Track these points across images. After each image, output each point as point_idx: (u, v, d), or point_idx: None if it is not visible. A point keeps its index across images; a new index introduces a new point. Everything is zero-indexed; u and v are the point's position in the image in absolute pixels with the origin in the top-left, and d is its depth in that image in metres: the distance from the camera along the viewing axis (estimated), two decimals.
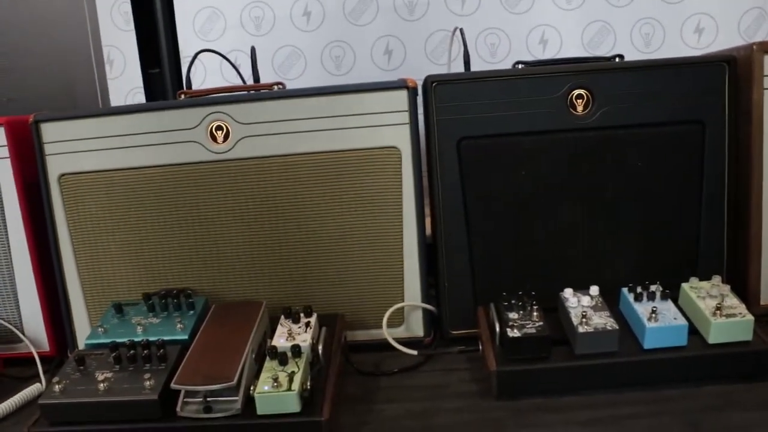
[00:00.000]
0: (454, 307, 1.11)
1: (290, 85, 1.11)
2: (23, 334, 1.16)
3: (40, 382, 1.06)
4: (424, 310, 1.11)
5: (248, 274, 1.11)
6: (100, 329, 1.00)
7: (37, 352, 1.13)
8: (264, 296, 1.08)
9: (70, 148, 1.09)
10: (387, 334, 1.06)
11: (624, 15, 1.48)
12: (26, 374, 1.11)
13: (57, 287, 1.13)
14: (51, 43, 1.62)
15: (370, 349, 1.10)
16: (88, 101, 1.62)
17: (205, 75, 1.56)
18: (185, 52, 1.52)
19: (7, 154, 1.11)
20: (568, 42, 1.49)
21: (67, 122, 1.09)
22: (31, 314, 1.16)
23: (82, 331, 1.14)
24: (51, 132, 1.09)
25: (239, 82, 1.37)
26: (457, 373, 1.02)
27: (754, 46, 1.03)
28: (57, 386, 0.86)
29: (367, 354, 1.09)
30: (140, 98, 1.56)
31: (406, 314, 1.12)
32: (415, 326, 1.12)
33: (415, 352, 1.05)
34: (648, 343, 0.92)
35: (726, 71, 1.05)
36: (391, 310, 1.08)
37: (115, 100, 1.61)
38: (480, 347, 1.00)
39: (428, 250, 1.10)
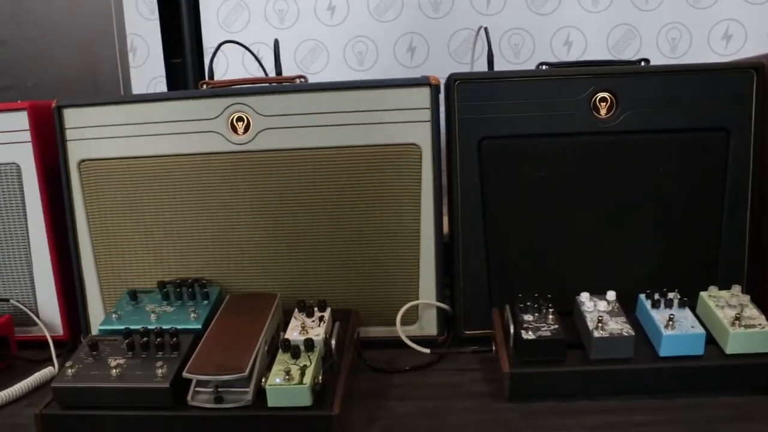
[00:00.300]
0: (469, 307, 1.10)
1: (312, 80, 1.11)
2: (38, 317, 1.16)
3: (53, 365, 1.07)
4: (439, 309, 1.11)
5: (264, 266, 1.11)
6: (114, 315, 1.01)
7: (51, 336, 1.13)
8: (278, 289, 1.08)
9: (92, 134, 1.09)
10: (400, 331, 1.05)
11: (651, 19, 1.47)
12: (40, 357, 1.12)
13: (73, 272, 1.14)
14: (76, 30, 1.63)
15: (383, 345, 1.09)
16: (111, 89, 1.63)
17: (228, 66, 1.56)
18: (208, 43, 1.52)
19: (29, 138, 1.11)
20: (593, 45, 1.48)
21: (89, 108, 1.09)
22: (46, 298, 1.17)
23: (96, 317, 1.14)
24: (73, 118, 1.09)
25: (261, 75, 1.36)
26: (469, 374, 1.01)
27: None
28: (70, 370, 0.86)
29: (380, 351, 1.08)
30: (162, 87, 1.57)
31: (421, 312, 1.11)
32: (429, 325, 1.12)
33: (427, 351, 1.04)
34: (664, 351, 0.91)
35: (754, 79, 1.03)
36: (405, 307, 1.08)
37: (137, 88, 1.61)
38: (494, 348, 0.99)
39: (445, 249, 1.09)
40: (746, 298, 0.96)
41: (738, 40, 1.46)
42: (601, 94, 1.04)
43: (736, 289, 0.98)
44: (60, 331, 1.18)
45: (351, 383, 0.95)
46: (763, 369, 0.90)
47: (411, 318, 1.11)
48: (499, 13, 1.48)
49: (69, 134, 1.10)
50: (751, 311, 0.93)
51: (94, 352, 0.90)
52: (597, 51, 1.47)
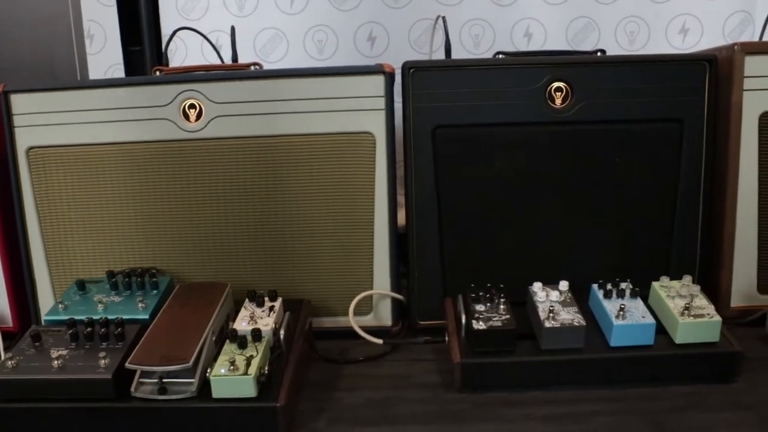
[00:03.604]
0: (424, 297, 1.10)
1: (271, 68, 1.09)
2: None
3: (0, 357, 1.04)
4: (393, 300, 1.10)
5: (217, 255, 1.09)
6: (60, 305, 0.99)
7: (0, 328, 1.10)
8: (231, 278, 1.06)
9: (40, 120, 1.06)
10: (353, 321, 1.05)
11: (609, 12, 1.47)
12: None
13: (22, 262, 1.11)
14: (31, 14, 1.59)
15: (337, 336, 1.08)
16: (67, 75, 1.59)
17: (186, 54, 1.53)
18: (167, 31, 1.49)
19: None
20: (553, 37, 1.48)
21: (37, 94, 1.06)
22: None
23: (47, 308, 1.11)
24: (21, 104, 1.06)
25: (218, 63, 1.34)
26: (421, 364, 1.01)
27: (736, 47, 1.02)
28: (9, 362, 0.84)
29: (334, 341, 1.07)
30: (119, 75, 1.54)
31: (375, 303, 1.10)
32: (384, 315, 1.11)
33: (380, 341, 1.03)
34: (614, 341, 0.91)
35: (707, 70, 1.04)
36: (358, 297, 1.07)
37: (95, 75, 1.57)
38: (446, 338, 0.99)
39: (400, 239, 1.09)
40: (696, 288, 0.96)
41: (695, 34, 1.47)
42: (556, 84, 1.03)
43: (687, 279, 0.99)
44: (9, 322, 1.15)
45: (301, 374, 0.94)
46: (711, 358, 0.91)
47: (365, 308, 1.10)
48: (459, 3, 1.47)
49: (16, 120, 1.07)
50: (701, 301, 0.94)
51: (37, 344, 0.88)
52: (556, 43, 1.47)
